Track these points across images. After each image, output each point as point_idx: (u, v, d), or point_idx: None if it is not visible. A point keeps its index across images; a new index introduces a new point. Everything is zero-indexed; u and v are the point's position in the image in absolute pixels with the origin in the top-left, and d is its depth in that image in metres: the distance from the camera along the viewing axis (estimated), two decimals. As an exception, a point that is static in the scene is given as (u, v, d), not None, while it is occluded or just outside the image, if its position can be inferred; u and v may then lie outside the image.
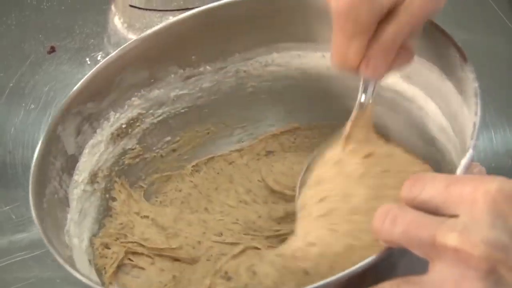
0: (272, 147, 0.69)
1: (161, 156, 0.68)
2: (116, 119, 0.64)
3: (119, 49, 0.63)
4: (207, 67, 0.66)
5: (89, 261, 0.59)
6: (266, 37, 0.65)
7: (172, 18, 0.64)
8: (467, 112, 0.51)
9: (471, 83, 0.50)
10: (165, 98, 0.66)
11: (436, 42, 0.55)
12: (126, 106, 0.64)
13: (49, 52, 0.86)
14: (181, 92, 0.67)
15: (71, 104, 0.60)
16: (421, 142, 0.61)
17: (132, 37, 0.84)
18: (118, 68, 0.63)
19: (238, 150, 0.70)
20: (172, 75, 0.66)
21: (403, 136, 0.62)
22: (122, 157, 0.65)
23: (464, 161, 0.46)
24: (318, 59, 0.65)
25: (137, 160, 0.66)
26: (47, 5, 0.93)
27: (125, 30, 0.87)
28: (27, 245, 0.68)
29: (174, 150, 0.68)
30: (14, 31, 0.90)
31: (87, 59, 0.84)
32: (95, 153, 0.63)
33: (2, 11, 0.93)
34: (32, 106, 0.81)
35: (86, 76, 0.62)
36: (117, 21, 0.88)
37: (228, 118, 0.69)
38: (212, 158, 0.69)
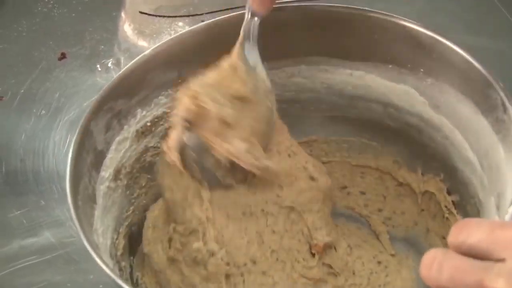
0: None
1: (181, 155, 0.68)
2: (142, 117, 0.64)
3: (152, 47, 0.63)
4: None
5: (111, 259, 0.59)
6: (297, 49, 0.66)
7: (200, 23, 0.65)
8: (502, 152, 0.54)
9: (516, 128, 0.52)
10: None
11: (474, 77, 0.57)
12: (153, 105, 0.64)
13: (60, 59, 0.86)
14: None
15: (105, 99, 0.60)
16: (440, 172, 0.64)
17: (142, 43, 0.86)
18: (150, 67, 0.63)
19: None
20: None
21: (419, 161, 0.66)
22: (144, 155, 0.65)
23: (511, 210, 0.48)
24: (345, 77, 0.66)
25: (158, 158, 0.66)
26: (58, 12, 0.93)
27: (135, 36, 0.87)
28: (37, 250, 0.68)
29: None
30: (25, 38, 0.90)
31: (98, 65, 0.83)
32: (120, 150, 0.62)
33: (13, 18, 0.92)
34: (43, 112, 0.80)
35: (119, 73, 0.62)
36: (127, 28, 0.88)
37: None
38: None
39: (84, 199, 0.57)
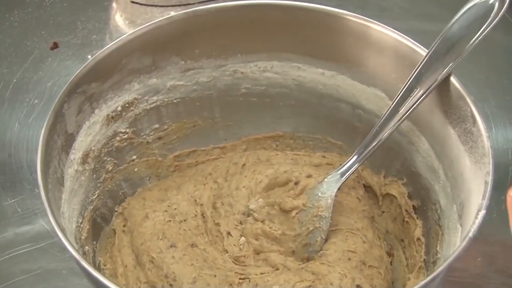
0: (258, 153, 0.70)
1: (147, 142, 0.68)
2: (114, 102, 0.64)
3: (128, 33, 0.63)
4: (208, 63, 0.67)
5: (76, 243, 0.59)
6: (271, 44, 0.67)
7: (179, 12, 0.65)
8: (468, 163, 0.56)
9: (484, 140, 0.54)
10: (161, 86, 0.66)
11: (445, 88, 0.59)
12: (124, 90, 0.64)
13: (52, 48, 0.87)
14: (177, 83, 0.67)
15: (78, 82, 0.60)
16: (404, 176, 0.66)
17: None
18: (125, 52, 0.63)
19: (220, 148, 0.71)
20: (173, 66, 0.66)
21: (383, 164, 0.67)
22: (112, 140, 0.65)
23: (478, 221, 0.50)
24: (317, 75, 0.67)
25: (125, 143, 0.66)
26: (50, 2, 0.93)
27: (127, 26, 0.88)
28: (32, 237, 0.68)
29: (160, 138, 0.68)
30: (17, 28, 0.90)
31: (89, 55, 0.83)
32: (90, 133, 0.62)
33: (5, 8, 0.92)
34: (36, 101, 0.81)
35: (94, 56, 0.61)
36: (118, 18, 0.88)
37: (216, 115, 0.70)
38: (195, 151, 0.70)
39: (53, 182, 0.56)
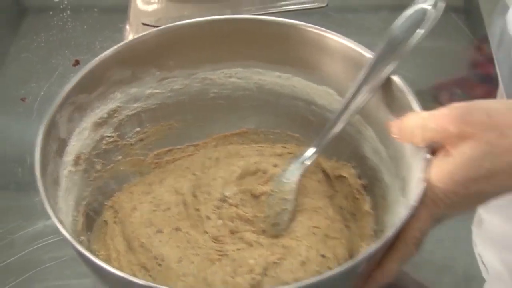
0: (228, 147, 0.80)
1: (131, 144, 0.77)
2: (100, 110, 0.73)
3: (110, 49, 0.72)
4: (181, 72, 0.77)
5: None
6: (236, 53, 0.77)
7: (155, 29, 0.74)
8: (407, 144, 0.66)
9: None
10: (141, 94, 0.76)
11: (387, 85, 0.68)
12: (109, 99, 0.73)
13: (74, 65, 0.99)
14: (154, 91, 0.76)
15: (69, 94, 0.68)
16: (353, 160, 0.76)
17: None
18: (108, 66, 0.72)
19: (194, 145, 0.80)
20: (150, 76, 0.75)
21: (335, 151, 0.77)
22: (100, 143, 0.74)
23: (418, 191, 0.59)
24: (275, 78, 0.78)
25: (111, 146, 0.75)
26: (72, 25, 1.06)
27: None
28: (58, 229, 0.75)
29: (141, 140, 0.77)
30: (43, 48, 1.03)
31: None
32: (80, 139, 0.71)
33: (33, 31, 1.06)
34: None
35: (81, 71, 0.70)
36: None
37: (189, 117, 0.79)
38: (172, 149, 0.80)
39: (51, 182, 0.65)
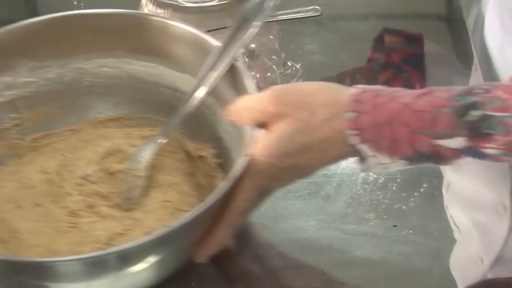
0: (100, 130, 0.86)
1: (6, 129, 0.83)
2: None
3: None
4: (53, 62, 0.83)
5: None
6: (104, 45, 0.83)
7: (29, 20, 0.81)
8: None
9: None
10: (14, 83, 0.82)
11: (233, 70, 0.76)
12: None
13: None
14: (28, 80, 0.83)
15: None
16: (212, 141, 0.82)
17: None
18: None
19: (71, 130, 0.86)
20: (22, 66, 0.82)
21: (196, 133, 0.83)
22: None
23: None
24: (143, 67, 0.84)
25: None
26: None
27: None
28: None
29: (17, 125, 0.84)
30: None
31: None
32: None
33: None
34: None
35: None
36: None
37: (66, 104, 0.86)
38: (49, 134, 0.85)
39: None
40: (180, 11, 1.06)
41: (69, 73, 0.84)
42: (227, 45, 0.76)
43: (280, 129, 0.68)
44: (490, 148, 0.62)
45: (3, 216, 0.75)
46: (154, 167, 0.79)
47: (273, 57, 1.00)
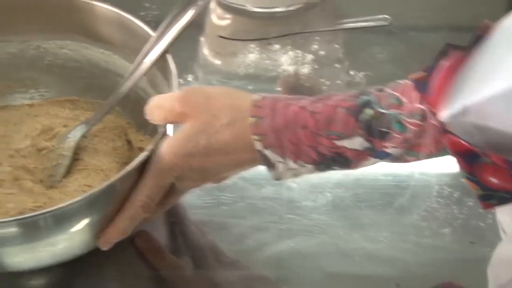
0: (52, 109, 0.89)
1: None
2: None
3: None
4: (14, 37, 0.87)
5: None
6: (65, 28, 0.87)
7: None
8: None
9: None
10: (-25, 56, 0.87)
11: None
12: None
13: None
14: (-10, 51, 0.88)
15: None
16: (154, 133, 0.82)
17: (218, 62, 1.03)
18: None
19: (29, 105, 0.90)
20: (-17, 39, 0.87)
21: (142, 125, 0.83)
22: None
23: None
24: (99, 54, 0.87)
25: None
26: None
27: (212, 57, 1.04)
28: None
29: (-21, 95, 0.89)
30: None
31: (180, 79, 0.97)
32: None
33: None
34: None
35: None
36: (206, 50, 1.05)
37: (27, 79, 0.89)
38: (7, 106, 0.90)
39: None
40: (248, 16, 1.08)
41: (30, 50, 0.88)
42: (163, 33, 0.78)
43: (184, 129, 0.69)
44: (390, 147, 0.62)
45: None
46: (87, 150, 0.81)
47: (336, 65, 1.01)
